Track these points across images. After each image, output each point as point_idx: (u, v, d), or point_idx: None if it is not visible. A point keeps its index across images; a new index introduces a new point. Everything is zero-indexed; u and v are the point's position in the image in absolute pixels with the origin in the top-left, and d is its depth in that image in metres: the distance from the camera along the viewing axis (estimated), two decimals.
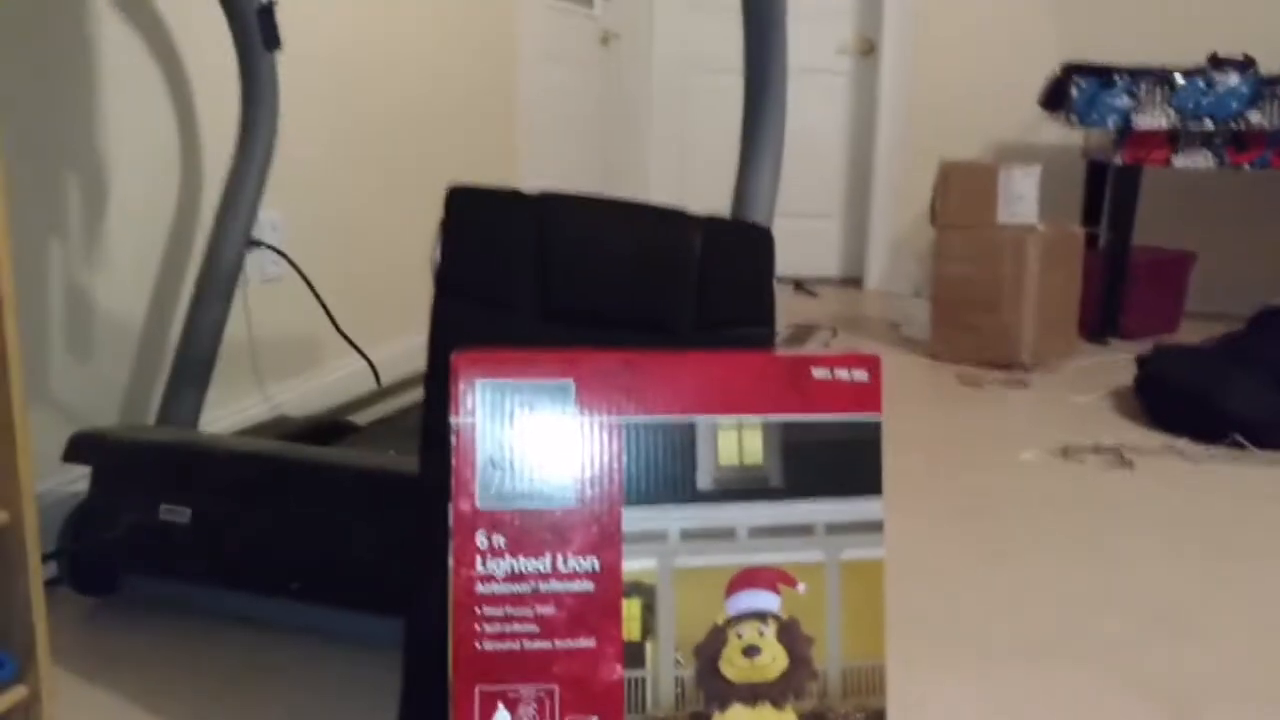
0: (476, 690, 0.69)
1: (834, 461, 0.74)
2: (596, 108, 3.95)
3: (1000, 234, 2.85)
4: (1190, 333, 3.22)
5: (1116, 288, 3.21)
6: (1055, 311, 2.91)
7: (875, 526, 0.75)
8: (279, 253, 2.01)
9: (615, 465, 0.71)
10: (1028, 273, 2.82)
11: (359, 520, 1.28)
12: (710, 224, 1.07)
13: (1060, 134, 3.68)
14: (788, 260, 4.26)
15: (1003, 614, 1.45)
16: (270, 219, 2.04)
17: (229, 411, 1.94)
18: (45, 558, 1.17)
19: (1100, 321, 3.21)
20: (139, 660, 1.30)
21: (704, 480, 0.72)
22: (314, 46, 2.17)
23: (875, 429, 0.75)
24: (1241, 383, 2.27)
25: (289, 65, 2.03)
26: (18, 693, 1.11)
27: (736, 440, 0.73)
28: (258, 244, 1.91)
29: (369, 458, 1.38)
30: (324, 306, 2.10)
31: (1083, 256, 3.00)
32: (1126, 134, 3.06)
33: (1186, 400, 2.29)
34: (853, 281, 4.32)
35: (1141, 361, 2.48)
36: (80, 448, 1.40)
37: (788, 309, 3.67)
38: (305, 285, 2.06)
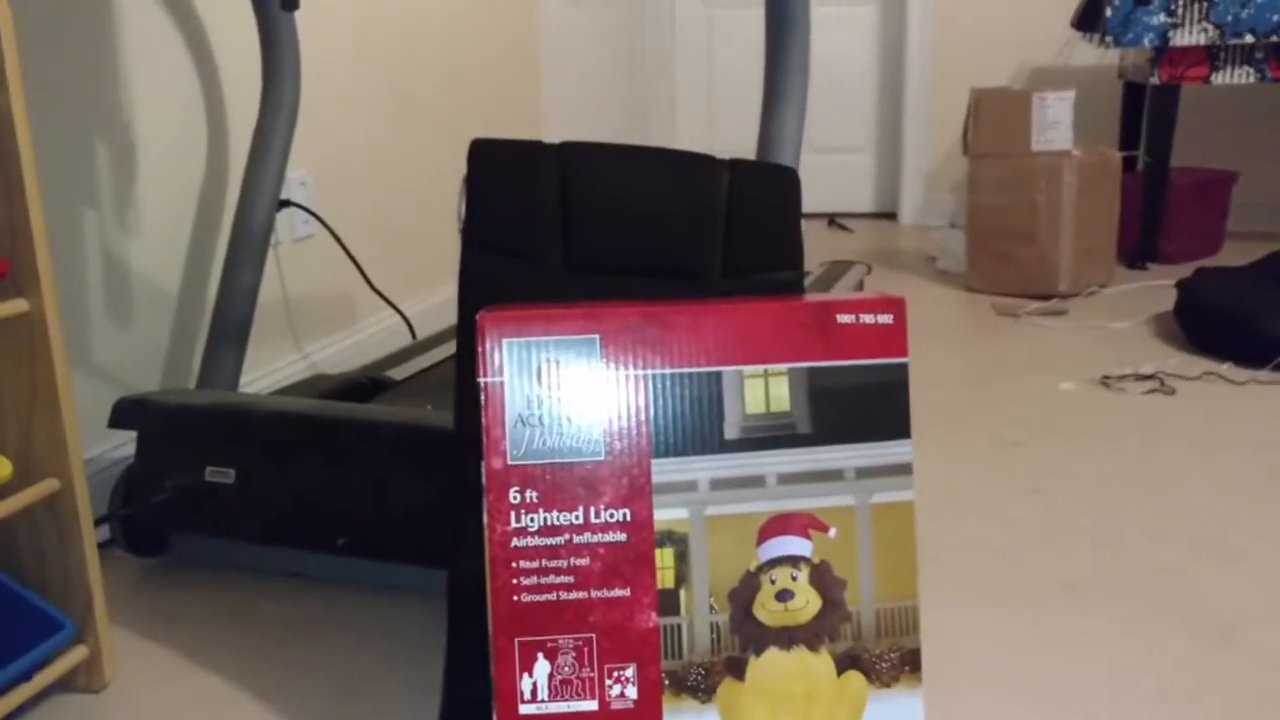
0: (516, 642, 0.71)
1: (861, 406, 0.74)
2: (620, 49, 3.91)
3: (1035, 162, 2.80)
4: (1233, 254, 3.16)
5: (1155, 212, 3.15)
6: (1093, 239, 2.87)
7: (904, 469, 0.75)
8: (309, 211, 2.02)
9: (643, 417, 0.72)
10: (1064, 200, 2.78)
11: (400, 474, 1.30)
12: (735, 167, 1.06)
13: (1095, 55, 3.60)
14: (821, 196, 4.23)
15: (1043, 545, 1.45)
16: (299, 177, 2.05)
17: (267, 371, 1.96)
18: (97, 522, 1.20)
19: (1139, 247, 3.16)
20: (193, 617, 1.34)
21: (732, 429, 0.73)
22: (335, 1, 2.16)
23: (901, 372, 0.75)
24: None
25: (311, 21, 2.02)
26: (78, 653, 1.14)
27: (763, 388, 0.73)
28: (287, 203, 1.93)
29: (407, 413, 1.40)
30: (356, 263, 2.11)
31: (1120, 181, 2.95)
32: (1164, 52, 2.99)
33: (1228, 324, 2.26)
34: (887, 215, 4.27)
35: (1182, 286, 2.44)
36: (125, 413, 1.42)
37: (822, 245, 3.64)
38: (337, 243, 2.07)
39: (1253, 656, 1.17)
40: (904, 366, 0.75)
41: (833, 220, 4.16)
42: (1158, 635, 1.22)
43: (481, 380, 0.71)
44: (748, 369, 0.73)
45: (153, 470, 1.40)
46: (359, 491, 1.31)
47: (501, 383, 0.71)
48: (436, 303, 2.52)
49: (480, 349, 0.71)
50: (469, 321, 0.96)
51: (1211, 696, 1.10)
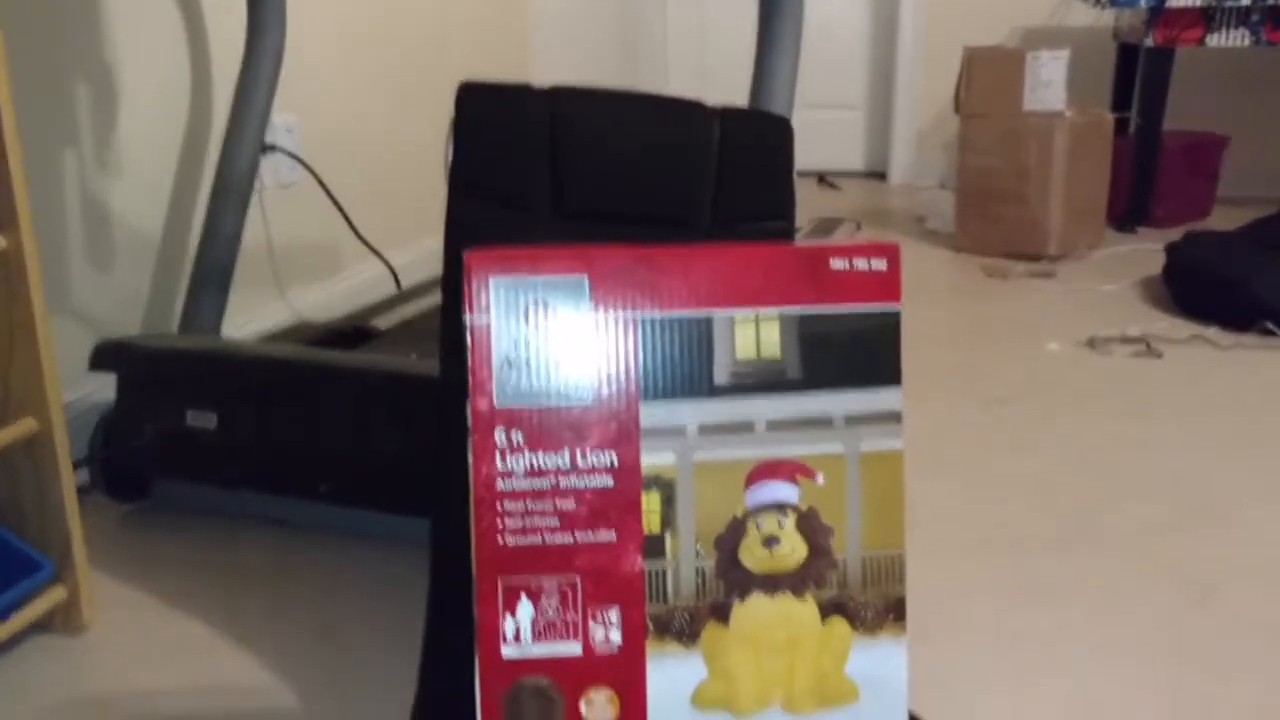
0: (499, 584, 0.70)
1: (853, 352, 0.73)
2: None
3: (1026, 122, 2.78)
4: (1223, 219, 3.16)
5: (1146, 175, 3.14)
6: (1083, 201, 2.86)
7: (894, 417, 0.74)
8: (294, 157, 2.00)
9: (631, 361, 0.71)
10: (1055, 162, 2.76)
11: (383, 422, 1.29)
12: (728, 115, 1.05)
13: (1090, 16, 3.57)
14: (811, 154, 4.19)
15: (1028, 504, 1.46)
16: (284, 122, 2.02)
17: (250, 319, 1.94)
18: (76, 465, 1.18)
19: (1129, 210, 3.15)
20: (172, 563, 1.33)
21: (721, 374, 0.72)
22: None
23: (894, 319, 0.74)
24: (1273, 269, 2.23)
25: None
26: (56, 594, 1.14)
27: (754, 333, 0.72)
28: (272, 148, 1.90)
29: (391, 361, 1.39)
30: (341, 211, 2.09)
31: (1112, 143, 2.93)
32: (1159, 13, 2.96)
33: (1216, 288, 2.26)
34: (877, 175, 4.25)
35: (1170, 249, 2.44)
36: (105, 356, 1.41)
37: (811, 203, 3.62)
38: (322, 190, 2.04)
39: (1233, 616, 1.18)
40: (896, 314, 0.74)
41: (822, 178, 4.13)
42: (1140, 593, 1.23)
43: (467, 319, 0.69)
44: (739, 314, 0.72)
45: (133, 414, 1.39)
46: (341, 439, 1.30)
47: (488, 322, 0.70)
48: (423, 253, 2.49)
49: (467, 288, 0.69)
50: (455, 269, 0.95)
51: (1191, 654, 1.11)
